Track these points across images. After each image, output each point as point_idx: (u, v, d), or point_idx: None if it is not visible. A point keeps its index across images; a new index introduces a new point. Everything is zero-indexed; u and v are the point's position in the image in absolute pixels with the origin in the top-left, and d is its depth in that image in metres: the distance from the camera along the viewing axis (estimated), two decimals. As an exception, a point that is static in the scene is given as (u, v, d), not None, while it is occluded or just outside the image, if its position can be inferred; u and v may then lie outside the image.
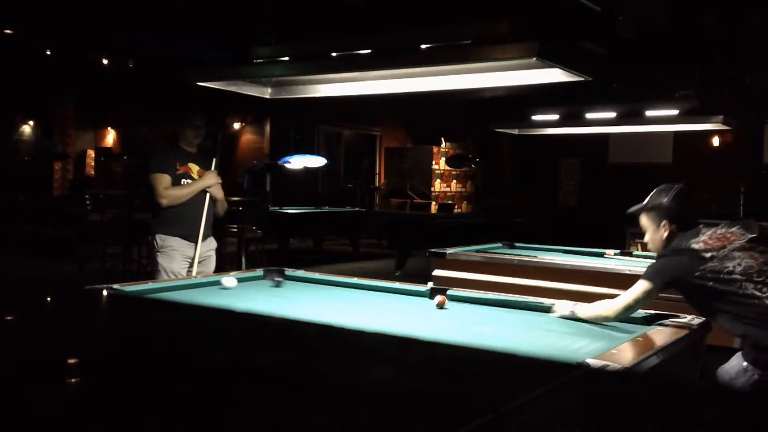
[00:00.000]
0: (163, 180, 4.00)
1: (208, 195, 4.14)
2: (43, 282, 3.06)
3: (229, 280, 3.03)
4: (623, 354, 1.92)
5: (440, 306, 2.73)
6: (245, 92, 4.55)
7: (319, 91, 4.53)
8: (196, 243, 4.08)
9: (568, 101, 7.79)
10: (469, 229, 9.35)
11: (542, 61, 3.18)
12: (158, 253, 4.05)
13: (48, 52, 9.89)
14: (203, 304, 2.62)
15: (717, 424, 1.06)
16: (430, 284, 3.10)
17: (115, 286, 2.74)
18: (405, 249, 8.55)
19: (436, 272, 4.48)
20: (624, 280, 3.90)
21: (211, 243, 4.23)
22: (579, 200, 13.82)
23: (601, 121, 7.73)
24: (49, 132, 13.34)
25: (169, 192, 4.01)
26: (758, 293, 2.41)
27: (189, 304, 2.53)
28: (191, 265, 4.11)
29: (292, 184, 12.51)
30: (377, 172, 14.95)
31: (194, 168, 4.13)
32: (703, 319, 2.45)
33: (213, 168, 4.23)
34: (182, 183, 4.07)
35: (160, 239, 4.04)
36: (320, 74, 4.19)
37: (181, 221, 4.06)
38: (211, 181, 4.14)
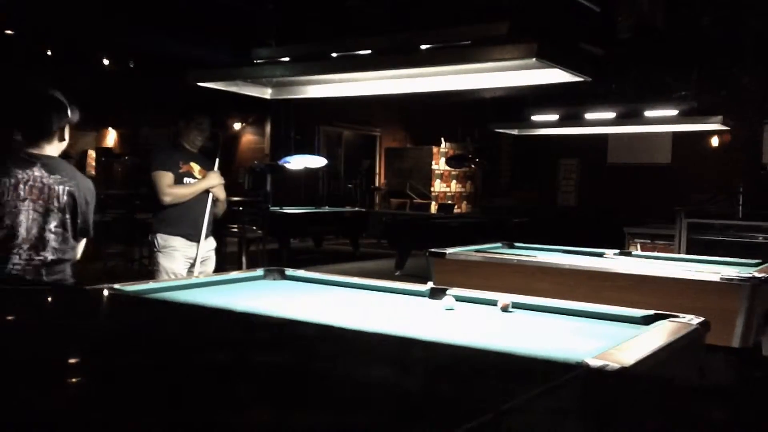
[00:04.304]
0: (166, 178, 4.00)
1: (210, 195, 4.14)
2: (43, 282, 3.08)
3: (449, 300, 2.76)
4: (623, 353, 1.92)
5: (504, 309, 2.68)
6: (246, 93, 4.55)
7: (319, 92, 4.54)
8: (197, 243, 4.09)
9: (567, 102, 7.80)
10: (469, 229, 9.36)
11: (541, 62, 3.19)
12: (159, 253, 4.05)
13: (48, 53, 9.89)
14: (203, 304, 2.62)
15: (718, 424, 1.06)
16: (430, 284, 3.10)
17: (116, 285, 2.74)
18: (405, 249, 8.56)
19: (436, 272, 4.48)
20: (623, 281, 3.92)
21: (211, 243, 4.23)
22: (578, 200, 13.83)
23: (600, 122, 7.74)
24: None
25: (173, 190, 4.00)
26: None
27: (189, 304, 2.53)
28: (192, 265, 4.11)
29: (292, 184, 12.51)
30: (377, 172, 14.95)
31: (196, 167, 4.14)
32: (702, 318, 2.46)
33: (216, 168, 4.23)
34: (184, 182, 4.07)
35: (162, 239, 4.04)
36: (320, 75, 4.20)
37: (184, 221, 4.06)
38: (215, 181, 4.15)
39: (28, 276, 2.71)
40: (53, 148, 2.88)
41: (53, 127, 2.84)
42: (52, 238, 2.75)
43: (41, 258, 2.76)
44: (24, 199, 2.70)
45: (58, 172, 2.79)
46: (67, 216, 2.80)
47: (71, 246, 2.88)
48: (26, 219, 2.69)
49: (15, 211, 2.69)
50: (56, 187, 2.76)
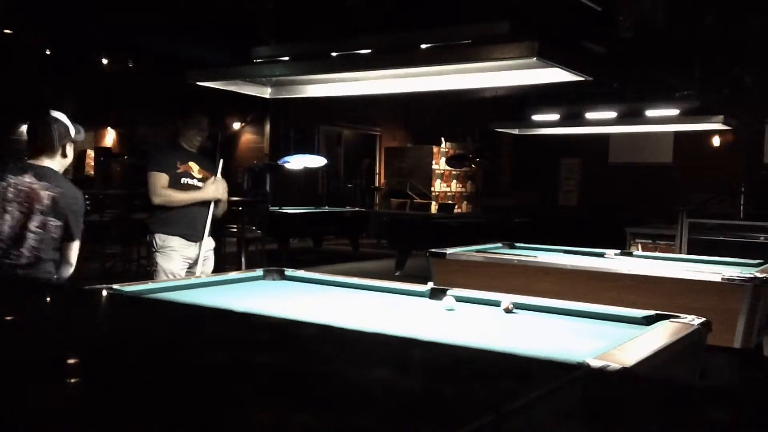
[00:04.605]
0: (161, 179, 3.99)
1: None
2: (43, 282, 3.08)
3: (450, 300, 2.76)
4: (624, 354, 1.92)
5: (508, 311, 2.67)
6: (245, 92, 4.55)
7: (319, 91, 4.54)
8: (196, 243, 4.08)
9: (568, 101, 7.79)
10: (469, 229, 9.35)
11: (542, 61, 3.19)
12: (157, 254, 4.04)
13: (48, 52, 9.88)
14: (203, 304, 2.62)
15: (718, 425, 1.06)
16: (430, 284, 3.09)
17: (115, 286, 2.74)
18: (405, 249, 8.55)
19: (436, 272, 4.48)
20: (624, 281, 3.91)
21: (210, 243, 4.22)
22: (579, 200, 13.83)
23: (601, 121, 7.74)
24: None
25: (167, 191, 3.99)
26: None
27: (189, 304, 2.52)
28: (191, 265, 4.10)
29: (292, 184, 12.51)
30: (377, 172, 14.95)
31: (195, 167, 4.12)
32: (704, 319, 2.45)
33: (219, 173, 4.18)
34: (182, 182, 4.06)
35: (160, 239, 4.03)
36: (320, 74, 4.20)
37: (181, 221, 4.05)
38: (210, 194, 4.09)
39: (6, 272, 2.94)
40: (54, 163, 3.11)
41: (55, 146, 3.09)
42: (31, 237, 2.97)
43: (17, 254, 2.97)
44: (11, 201, 2.96)
45: (46, 180, 3.02)
46: (50, 219, 3.00)
47: (52, 247, 3.05)
48: (10, 218, 2.95)
49: (1, 211, 2.96)
50: (41, 192, 2.99)
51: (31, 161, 3.08)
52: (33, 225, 2.95)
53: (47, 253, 3.03)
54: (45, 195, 2.97)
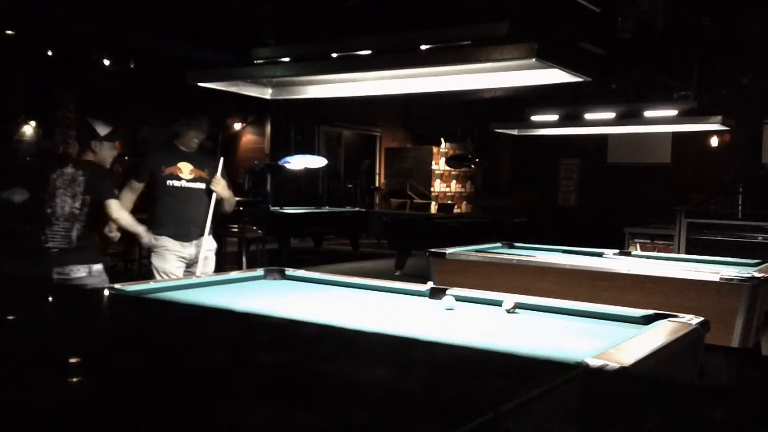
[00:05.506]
0: (131, 187, 4.11)
1: (214, 195, 4.12)
2: (44, 281, 3.13)
3: (449, 299, 2.79)
4: (622, 353, 1.93)
5: (510, 310, 2.68)
6: (246, 93, 4.56)
7: (319, 92, 4.55)
8: (191, 242, 4.07)
9: (567, 102, 7.80)
10: (468, 229, 9.36)
11: (541, 62, 3.20)
12: (152, 253, 4.05)
13: (49, 53, 9.89)
14: (204, 303, 2.63)
15: (716, 424, 1.07)
16: (430, 284, 3.10)
17: (117, 285, 2.75)
18: (405, 249, 8.56)
19: (435, 272, 4.49)
20: (623, 280, 3.92)
21: (212, 243, 4.22)
22: (578, 200, 13.84)
23: (600, 122, 7.75)
24: (50, 133, 13.33)
25: (124, 203, 4.01)
26: None
27: (189, 304, 2.53)
28: (188, 265, 4.10)
29: (292, 184, 12.51)
30: (377, 172, 14.95)
31: (186, 167, 4.10)
32: (702, 318, 2.46)
33: (219, 174, 4.17)
34: (168, 184, 4.05)
35: (154, 239, 4.03)
36: (320, 75, 4.21)
37: (171, 221, 4.05)
38: (144, 239, 4.05)
39: (63, 244, 3.67)
40: (89, 157, 3.90)
41: (90, 145, 3.92)
42: (78, 213, 3.71)
43: (73, 229, 3.68)
44: (58, 188, 3.71)
45: (81, 168, 3.78)
46: (87, 196, 3.73)
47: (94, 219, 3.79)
48: (61, 201, 3.69)
49: (54, 196, 3.70)
50: (78, 178, 3.75)
51: (79, 157, 3.88)
52: (77, 204, 3.71)
53: (93, 226, 3.78)
54: (81, 180, 3.73)
